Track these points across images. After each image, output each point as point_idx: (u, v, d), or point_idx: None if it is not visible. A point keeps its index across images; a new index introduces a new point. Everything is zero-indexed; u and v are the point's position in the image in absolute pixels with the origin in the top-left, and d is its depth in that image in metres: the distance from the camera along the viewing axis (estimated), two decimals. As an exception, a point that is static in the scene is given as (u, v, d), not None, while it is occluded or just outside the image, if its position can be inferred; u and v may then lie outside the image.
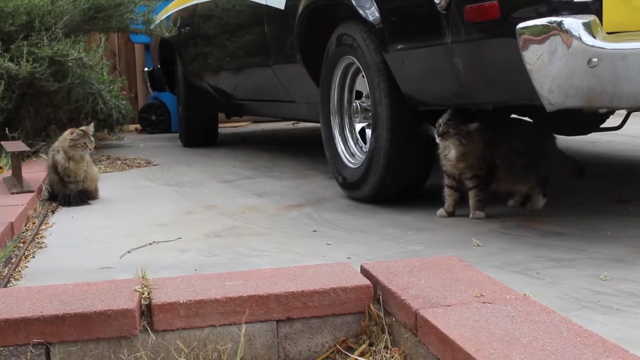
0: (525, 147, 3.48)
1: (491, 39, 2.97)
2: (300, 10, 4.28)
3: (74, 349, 1.85)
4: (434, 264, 2.15)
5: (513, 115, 4.10)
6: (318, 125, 4.41)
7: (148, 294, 1.94)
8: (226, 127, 8.75)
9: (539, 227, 3.26)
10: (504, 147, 3.43)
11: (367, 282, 2.01)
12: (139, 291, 1.95)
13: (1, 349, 1.82)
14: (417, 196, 3.89)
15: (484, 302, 1.80)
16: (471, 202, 3.47)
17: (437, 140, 3.39)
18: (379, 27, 3.56)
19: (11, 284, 2.68)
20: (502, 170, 3.47)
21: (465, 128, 3.33)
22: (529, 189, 3.59)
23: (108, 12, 6.42)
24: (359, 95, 4.06)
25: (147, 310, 1.90)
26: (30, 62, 5.68)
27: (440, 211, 3.54)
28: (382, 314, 1.96)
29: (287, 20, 4.50)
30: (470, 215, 3.47)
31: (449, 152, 3.40)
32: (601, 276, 2.50)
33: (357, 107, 4.02)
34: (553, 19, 2.66)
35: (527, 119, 4.19)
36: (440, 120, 3.37)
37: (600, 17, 2.69)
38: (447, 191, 3.52)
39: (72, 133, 4.18)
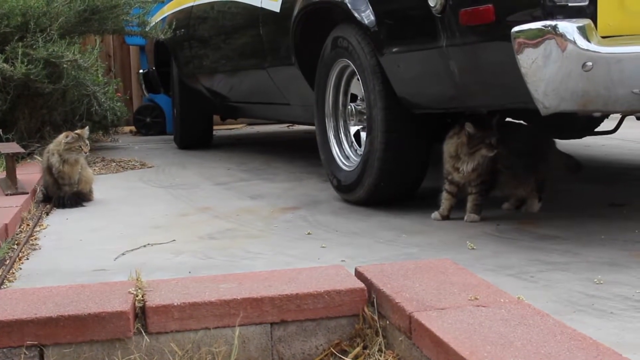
0: (526, 150, 3.49)
1: (486, 42, 2.97)
2: (295, 12, 4.28)
3: (67, 351, 1.84)
4: (429, 267, 2.16)
5: (507, 119, 4.11)
6: (313, 127, 4.41)
7: (142, 296, 1.94)
8: (221, 129, 8.74)
9: (533, 231, 3.27)
10: (506, 151, 3.42)
11: (361, 285, 2.01)
12: (133, 293, 1.95)
13: (-5, 350, 1.82)
14: (412, 199, 3.89)
15: (478, 306, 1.80)
16: (469, 205, 3.47)
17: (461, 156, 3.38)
18: (374, 30, 3.57)
19: (5, 286, 2.68)
20: (505, 175, 3.47)
21: (490, 139, 3.31)
22: (528, 193, 3.60)
23: (103, 13, 6.42)
24: (354, 98, 4.06)
25: (141, 313, 1.90)
26: (25, 64, 5.68)
27: (435, 214, 3.54)
28: (376, 317, 1.96)
29: (282, 22, 4.50)
30: (465, 218, 3.47)
31: (465, 165, 3.39)
32: (595, 280, 2.51)
33: (352, 110, 4.02)
34: (548, 22, 2.67)
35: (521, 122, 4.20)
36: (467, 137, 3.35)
37: (595, 21, 2.70)
38: (445, 195, 3.52)
39: (67, 136, 4.18)
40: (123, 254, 3.12)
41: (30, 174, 4.82)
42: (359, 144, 4.00)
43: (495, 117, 3.39)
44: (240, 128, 9.27)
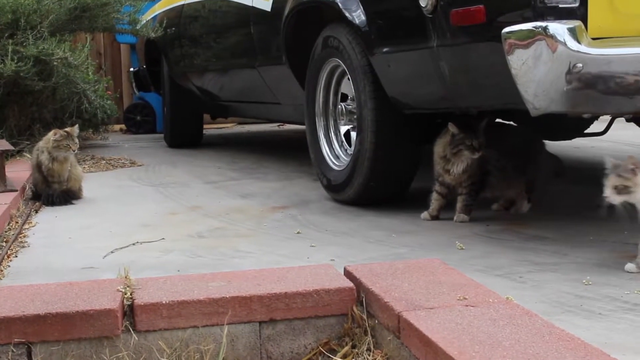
0: (516, 151, 3.49)
1: (477, 43, 2.98)
2: (286, 12, 4.28)
3: (55, 348, 1.84)
4: (418, 266, 2.16)
5: (497, 120, 4.11)
6: (303, 127, 4.41)
7: (131, 294, 1.94)
8: (211, 128, 8.73)
9: (522, 231, 3.27)
10: (496, 152, 3.43)
11: (350, 284, 2.01)
12: (121, 291, 1.95)
13: (-18, 348, 1.81)
14: (402, 199, 3.89)
15: (467, 305, 1.80)
16: (459, 205, 3.48)
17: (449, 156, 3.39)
18: (365, 29, 3.57)
19: (-7, 283, 2.67)
20: (495, 176, 3.48)
21: (471, 141, 3.32)
22: (517, 194, 3.60)
23: (94, 11, 6.40)
24: (344, 97, 4.06)
25: (130, 311, 1.90)
26: (15, 61, 5.65)
27: (425, 214, 3.54)
28: (365, 316, 1.96)
29: (273, 21, 4.49)
30: (455, 218, 3.47)
31: (455, 167, 3.39)
32: (584, 281, 2.51)
33: (342, 109, 4.02)
34: (538, 23, 2.67)
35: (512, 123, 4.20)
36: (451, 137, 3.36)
37: (585, 22, 2.70)
38: (435, 196, 3.52)
39: (55, 134, 4.16)
40: (112, 252, 3.11)
41: (19, 171, 4.81)
42: (349, 144, 4.00)
43: (484, 120, 3.39)
44: (230, 127, 9.25)
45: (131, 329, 1.88)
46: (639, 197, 2.54)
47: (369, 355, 1.90)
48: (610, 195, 2.53)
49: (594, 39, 2.70)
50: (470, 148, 3.31)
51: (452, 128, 3.33)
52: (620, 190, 2.51)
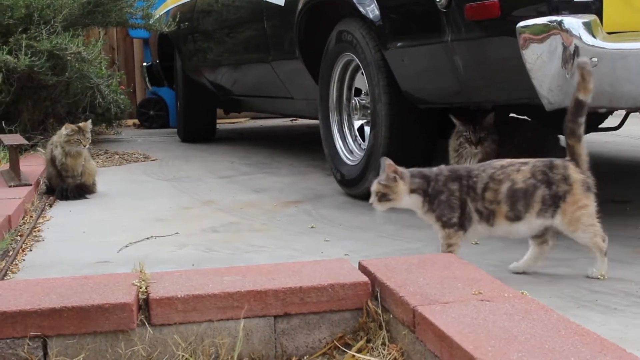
0: (530, 146, 3.48)
1: (491, 37, 2.97)
2: (300, 6, 4.28)
3: (71, 342, 1.84)
4: (432, 261, 2.16)
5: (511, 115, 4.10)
6: (316, 122, 4.41)
7: (146, 288, 1.94)
8: (224, 123, 8.74)
9: (536, 226, 3.26)
10: (510, 146, 3.42)
11: (365, 278, 2.01)
12: (136, 285, 1.95)
13: (-2, 341, 1.82)
14: (415, 194, 3.88)
15: (482, 300, 1.80)
16: (472, 200, 3.47)
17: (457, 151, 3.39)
18: (379, 24, 3.56)
19: (8, 277, 2.68)
20: None
21: (470, 134, 3.32)
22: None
23: (107, 6, 6.42)
24: (358, 92, 4.06)
25: (145, 305, 1.90)
26: (29, 56, 5.67)
27: (438, 209, 3.53)
28: (379, 311, 1.96)
29: (286, 16, 4.49)
30: (468, 214, 3.46)
31: (468, 162, 3.38)
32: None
33: (356, 104, 4.02)
34: (553, 18, 2.67)
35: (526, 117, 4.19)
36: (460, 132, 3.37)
37: (600, 16, 2.70)
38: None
39: (66, 129, 4.17)
40: (126, 246, 3.12)
41: (33, 165, 4.83)
42: (363, 139, 3.99)
43: (490, 114, 3.38)
44: (243, 122, 9.27)
45: (146, 323, 1.89)
46: (403, 204, 2.56)
47: (384, 349, 1.89)
48: (374, 203, 2.54)
49: (609, 33, 2.69)
50: (468, 141, 3.31)
51: (454, 119, 3.33)
52: (380, 197, 2.52)
